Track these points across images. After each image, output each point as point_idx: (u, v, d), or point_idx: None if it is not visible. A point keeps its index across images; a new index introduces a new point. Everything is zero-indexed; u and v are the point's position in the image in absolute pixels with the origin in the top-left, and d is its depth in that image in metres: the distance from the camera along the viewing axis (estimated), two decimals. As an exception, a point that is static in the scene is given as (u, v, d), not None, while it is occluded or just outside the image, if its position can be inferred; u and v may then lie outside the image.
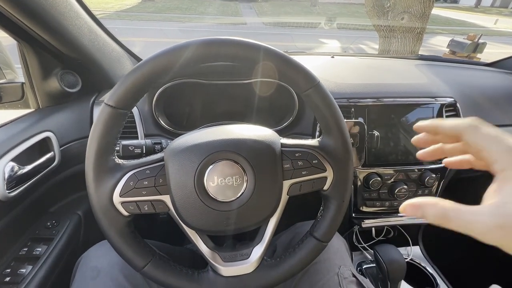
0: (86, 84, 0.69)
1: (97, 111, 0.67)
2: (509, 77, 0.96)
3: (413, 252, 0.88)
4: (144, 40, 5.55)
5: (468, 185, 1.00)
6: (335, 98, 0.69)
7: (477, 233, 0.20)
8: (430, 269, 0.84)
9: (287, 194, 0.41)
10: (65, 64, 0.65)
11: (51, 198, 0.68)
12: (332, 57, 1.01)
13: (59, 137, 0.60)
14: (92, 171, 0.37)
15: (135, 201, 0.38)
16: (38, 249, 0.56)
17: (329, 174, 0.41)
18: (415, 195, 0.76)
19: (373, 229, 0.84)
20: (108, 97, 0.36)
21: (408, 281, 0.78)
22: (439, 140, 0.29)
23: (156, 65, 0.35)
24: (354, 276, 0.52)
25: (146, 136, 0.66)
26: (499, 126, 0.82)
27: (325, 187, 0.42)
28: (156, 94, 0.65)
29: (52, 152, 0.58)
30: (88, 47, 0.62)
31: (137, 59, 0.86)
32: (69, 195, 0.72)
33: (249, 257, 0.42)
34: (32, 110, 0.63)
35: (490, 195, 0.21)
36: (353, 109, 0.70)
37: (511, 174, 0.21)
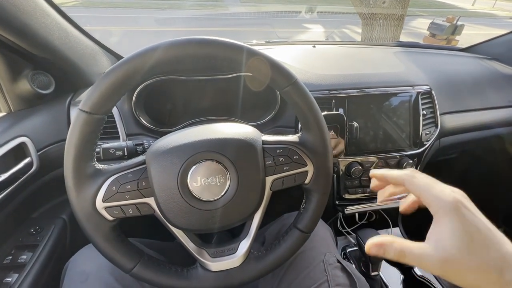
0: (61, 85, 0.66)
1: (74, 112, 0.65)
2: (481, 62, 1.01)
3: (394, 233, 0.94)
4: (121, 29, 5.29)
5: (443, 167, 1.06)
6: (316, 90, 0.71)
7: (428, 267, 0.24)
8: None
9: (270, 190, 0.42)
10: (36, 64, 0.62)
11: (33, 204, 0.66)
12: (314, 46, 1.01)
13: (36, 142, 0.58)
14: (72, 179, 0.36)
15: (119, 205, 0.38)
16: (23, 257, 0.55)
17: (309, 168, 0.43)
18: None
19: (356, 214, 0.88)
20: (82, 103, 0.35)
21: (389, 261, 0.83)
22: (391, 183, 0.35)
23: (130, 67, 0.35)
24: (338, 262, 0.55)
25: (128, 136, 0.65)
26: (471, 110, 0.86)
27: (306, 181, 0.43)
28: (135, 93, 0.64)
29: (29, 158, 0.56)
30: (58, 46, 0.59)
31: (114, 54, 0.83)
32: (52, 199, 0.70)
33: (236, 251, 0.44)
34: (4, 114, 0.60)
35: (430, 234, 0.26)
36: (333, 101, 0.71)
37: (439, 217, 0.26)
